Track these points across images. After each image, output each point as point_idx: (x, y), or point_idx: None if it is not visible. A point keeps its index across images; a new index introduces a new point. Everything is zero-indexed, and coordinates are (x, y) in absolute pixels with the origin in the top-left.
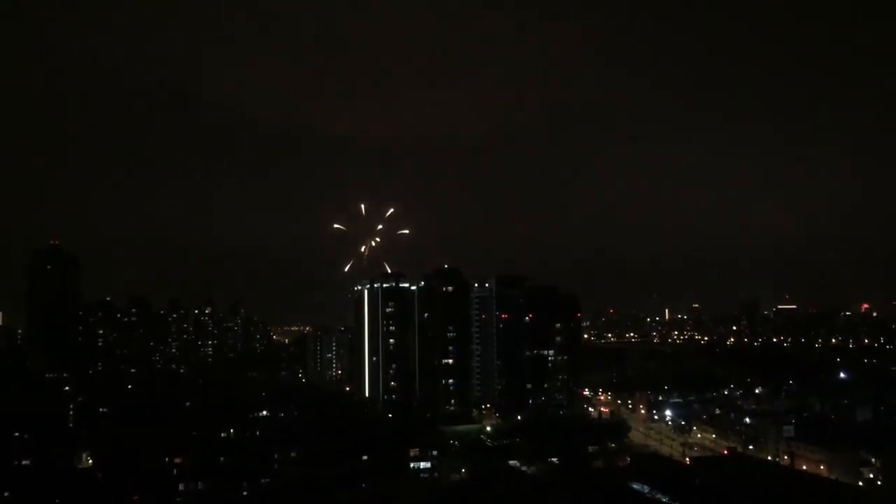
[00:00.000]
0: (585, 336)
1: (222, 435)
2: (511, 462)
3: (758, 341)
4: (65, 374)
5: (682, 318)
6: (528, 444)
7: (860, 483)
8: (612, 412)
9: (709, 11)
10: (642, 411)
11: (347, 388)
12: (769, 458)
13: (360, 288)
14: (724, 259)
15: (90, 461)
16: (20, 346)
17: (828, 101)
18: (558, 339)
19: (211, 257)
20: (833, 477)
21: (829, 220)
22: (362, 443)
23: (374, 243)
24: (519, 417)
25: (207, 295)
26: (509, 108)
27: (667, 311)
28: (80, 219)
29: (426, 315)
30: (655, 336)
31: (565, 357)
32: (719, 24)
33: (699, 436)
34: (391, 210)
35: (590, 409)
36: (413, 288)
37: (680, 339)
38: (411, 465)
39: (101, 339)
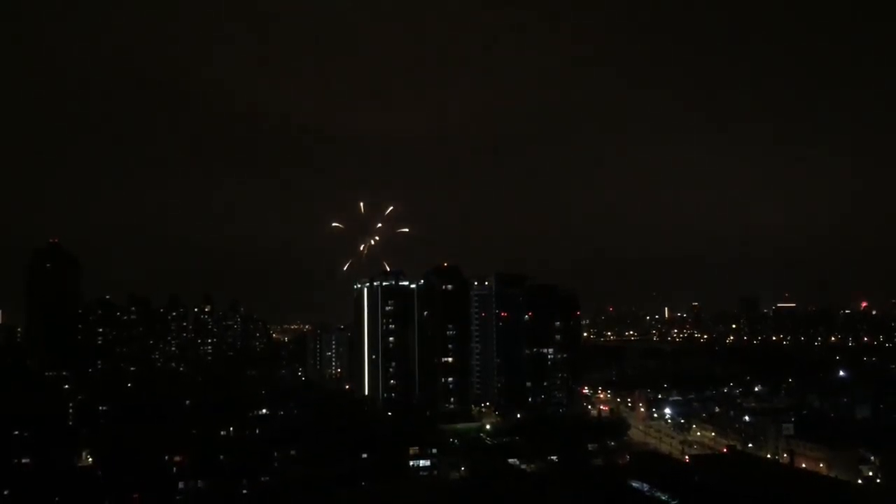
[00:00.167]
0: (585, 334)
1: (222, 433)
2: (511, 460)
3: (757, 339)
4: (64, 373)
5: (681, 316)
6: (528, 443)
7: (859, 481)
8: (611, 410)
9: (709, 12)
10: (642, 409)
11: (347, 387)
12: (769, 456)
13: (359, 286)
14: (723, 258)
15: (90, 459)
16: (20, 344)
17: (828, 101)
18: (558, 337)
19: (210, 256)
20: (832, 475)
21: (829, 219)
22: (362, 441)
23: (373, 242)
24: (518, 416)
25: (207, 293)
26: (509, 108)
27: (666, 309)
28: (80, 218)
29: (426, 313)
30: (655, 334)
31: (565, 355)
32: (719, 24)
33: (699, 434)
34: (391, 208)
35: (589, 407)
36: (413, 286)
37: (679, 338)
38: (411, 463)
39: (100, 338)
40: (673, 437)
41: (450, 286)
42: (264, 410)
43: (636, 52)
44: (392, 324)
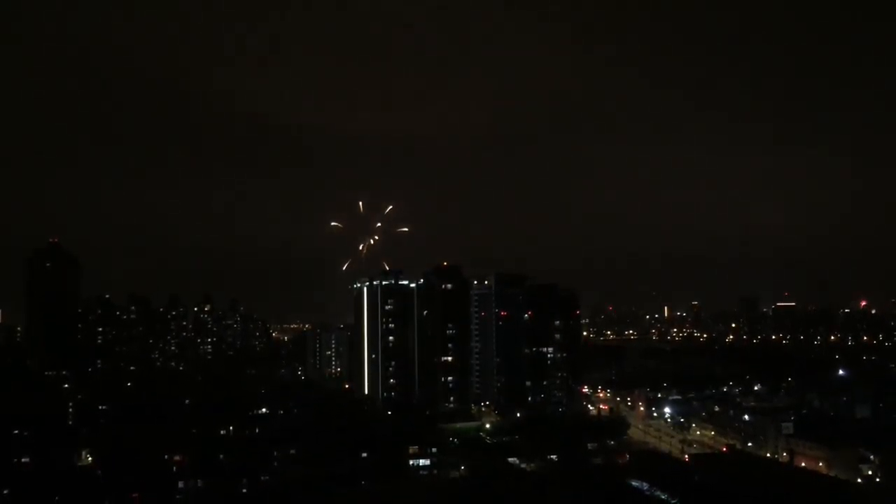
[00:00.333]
0: (585, 333)
1: (222, 433)
2: (510, 459)
3: (757, 339)
4: (64, 372)
5: (681, 315)
6: (528, 442)
7: (859, 480)
8: (611, 410)
9: (709, 11)
10: (641, 409)
11: (347, 386)
12: (768, 455)
13: (359, 286)
14: (723, 258)
15: (90, 459)
16: (20, 344)
17: (828, 101)
18: (557, 336)
19: (210, 256)
20: (832, 474)
21: (829, 219)
22: (362, 440)
23: (373, 241)
24: (518, 415)
25: (207, 293)
26: (509, 108)
27: (666, 308)
28: (80, 218)
29: (425, 313)
30: (655, 333)
31: (564, 355)
32: (719, 24)
33: (698, 433)
34: (390, 208)
35: (589, 406)
36: (412, 285)
37: (679, 337)
38: (411, 462)
39: (100, 337)
40: (672, 437)
41: (450, 286)
42: (264, 410)
43: (636, 52)
44: (392, 323)
